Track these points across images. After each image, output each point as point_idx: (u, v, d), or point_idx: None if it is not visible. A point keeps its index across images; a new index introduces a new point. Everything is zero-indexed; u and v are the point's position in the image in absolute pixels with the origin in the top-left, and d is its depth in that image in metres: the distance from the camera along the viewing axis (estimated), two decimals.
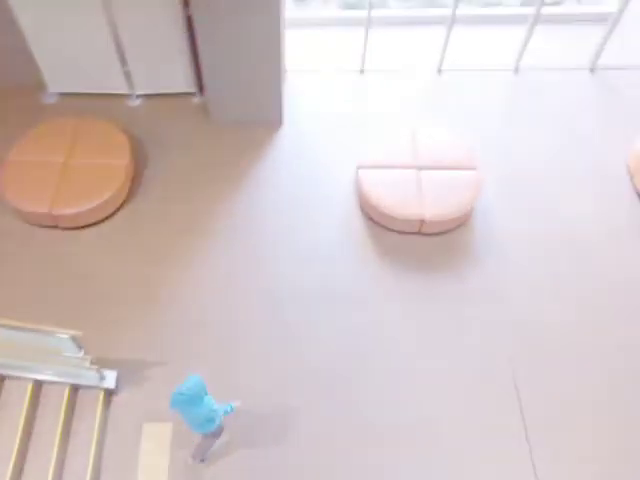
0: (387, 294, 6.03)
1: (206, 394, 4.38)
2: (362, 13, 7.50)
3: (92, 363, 5.08)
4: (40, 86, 7.34)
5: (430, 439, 5.23)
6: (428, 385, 5.51)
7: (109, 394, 5.33)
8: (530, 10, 7.44)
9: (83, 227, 6.36)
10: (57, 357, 5.03)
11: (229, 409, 4.60)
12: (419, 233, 6.38)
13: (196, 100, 7.48)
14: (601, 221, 6.55)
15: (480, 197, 6.49)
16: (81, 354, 4.96)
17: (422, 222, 6.21)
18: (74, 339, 4.77)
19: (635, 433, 5.28)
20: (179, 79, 7.24)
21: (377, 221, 6.44)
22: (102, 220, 6.42)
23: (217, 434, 4.81)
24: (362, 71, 7.88)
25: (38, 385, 5.21)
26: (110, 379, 5.30)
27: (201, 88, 7.27)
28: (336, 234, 6.44)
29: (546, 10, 7.43)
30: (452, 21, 7.33)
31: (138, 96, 7.45)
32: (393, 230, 6.40)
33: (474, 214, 6.55)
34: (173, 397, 4.29)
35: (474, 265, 6.22)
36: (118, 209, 6.51)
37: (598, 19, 8.25)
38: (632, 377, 5.55)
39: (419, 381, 5.53)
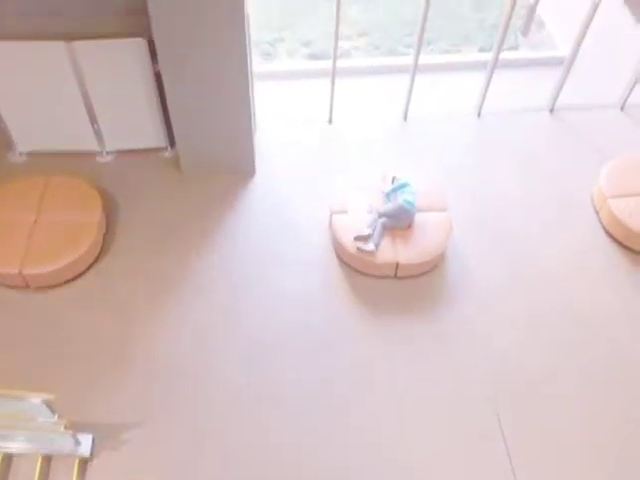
0: (365, 338, 6.01)
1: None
2: (327, 64, 7.71)
3: (66, 427, 4.90)
4: (8, 145, 7.31)
5: None
6: (409, 427, 5.43)
7: (85, 461, 5.12)
8: (488, 56, 7.75)
9: (55, 286, 6.24)
10: (28, 424, 4.84)
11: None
12: (395, 277, 6.41)
13: (167, 154, 7.52)
14: (570, 256, 6.68)
15: (452, 238, 6.58)
16: (54, 419, 4.79)
17: (397, 265, 6.25)
18: (47, 403, 4.60)
19: (618, 464, 5.26)
20: (149, 134, 7.29)
21: (353, 266, 6.47)
22: (74, 278, 6.32)
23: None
24: (330, 121, 8.05)
25: (7, 457, 4.98)
26: (86, 444, 5.09)
27: (172, 142, 7.32)
28: (312, 280, 6.44)
29: (503, 55, 7.74)
30: (414, 69, 7.57)
31: (108, 152, 7.46)
32: (369, 274, 6.43)
33: (447, 255, 6.63)
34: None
35: (450, 306, 6.26)
36: (90, 266, 6.42)
37: (553, 62, 8.64)
38: (613, 413, 5.57)
39: (400, 423, 5.45)
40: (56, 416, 4.78)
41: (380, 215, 6.36)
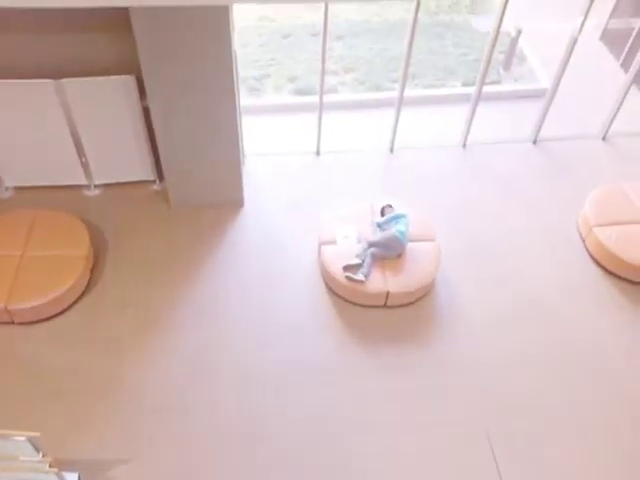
0: (356, 368, 5.95)
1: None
2: (314, 99, 7.84)
3: (51, 466, 4.75)
4: None
5: None
6: (401, 458, 5.34)
7: None
8: (471, 89, 7.92)
9: (41, 320, 6.15)
10: (11, 463, 4.69)
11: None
12: (384, 306, 6.39)
13: (155, 187, 7.53)
14: (559, 284, 6.71)
15: (441, 267, 6.60)
16: (39, 457, 4.65)
17: (387, 295, 6.25)
18: (31, 441, 4.48)
19: None
20: (137, 167, 7.31)
21: (342, 296, 6.45)
22: (61, 312, 6.23)
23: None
24: (318, 153, 8.14)
25: None
26: None
27: (160, 175, 7.35)
28: (302, 311, 6.40)
29: (487, 89, 7.92)
30: (400, 102, 7.71)
31: (96, 186, 7.46)
32: (359, 304, 6.41)
33: (436, 284, 6.64)
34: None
35: (440, 335, 6.24)
36: (77, 300, 6.35)
37: (535, 95, 8.86)
38: (605, 435, 5.53)
39: (392, 454, 5.36)
40: (41, 454, 4.64)
41: (370, 245, 6.37)
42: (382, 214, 6.74)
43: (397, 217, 6.55)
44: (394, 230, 6.39)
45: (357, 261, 6.27)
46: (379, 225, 6.63)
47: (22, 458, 4.62)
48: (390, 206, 6.75)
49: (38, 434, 4.49)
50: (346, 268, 6.25)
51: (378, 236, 6.44)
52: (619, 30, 10.43)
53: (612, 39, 10.33)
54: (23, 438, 4.43)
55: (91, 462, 5.19)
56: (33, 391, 5.66)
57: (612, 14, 10.41)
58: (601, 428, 5.60)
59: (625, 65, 9.77)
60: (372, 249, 6.33)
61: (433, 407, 5.70)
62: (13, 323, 6.12)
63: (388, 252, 6.37)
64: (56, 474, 4.80)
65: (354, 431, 5.53)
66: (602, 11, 10.27)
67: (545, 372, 5.98)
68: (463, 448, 5.44)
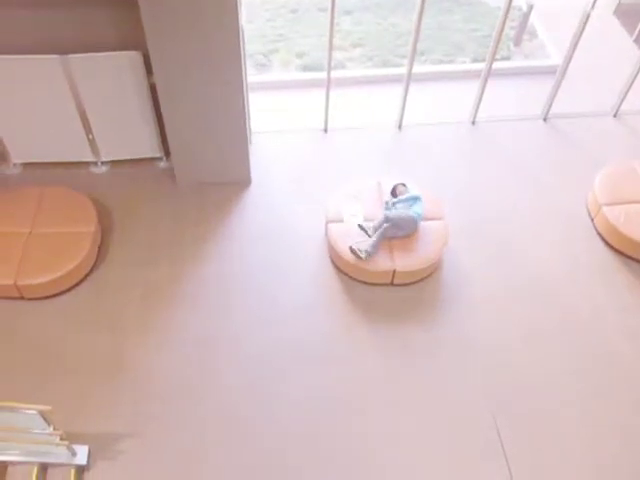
0: (362, 347, 5.98)
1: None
2: (321, 75, 7.75)
3: (62, 439, 4.84)
4: (3, 157, 7.30)
5: None
6: (407, 437, 5.39)
7: (81, 471, 5.06)
8: (482, 65, 7.81)
9: (49, 297, 6.21)
10: (24, 435, 4.79)
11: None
12: (391, 284, 6.40)
13: (162, 164, 7.52)
14: (567, 264, 6.68)
15: (448, 246, 6.58)
16: (50, 430, 4.74)
17: (394, 273, 6.25)
18: (42, 414, 4.56)
19: (618, 475, 5.23)
20: (144, 144, 7.29)
21: (349, 274, 6.46)
22: (69, 289, 6.28)
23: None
24: (325, 130, 8.08)
25: (3, 466, 4.92)
26: (81, 455, 5.04)
27: (167, 152, 7.33)
28: (309, 289, 6.42)
29: (497, 65, 7.80)
30: (408, 78, 7.62)
31: (103, 163, 7.46)
32: (365, 282, 6.42)
33: (442, 263, 6.63)
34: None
35: (446, 313, 6.24)
36: (85, 277, 6.39)
37: (546, 71, 8.72)
38: (610, 416, 5.55)
39: (399, 432, 5.42)
40: (52, 427, 4.73)
41: (386, 219, 6.32)
42: (394, 193, 6.71)
43: (414, 199, 6.50)
44: (412, 212, 6.36)
45: (365, 248, 6.20)
46: (393, 204, 6.55)
47: (33, 431, 4.72)
48: (404, 185, 6.71)
49: (49, 407, 4.57)
50: (353, 251, 6.23)
51: (394, 213, 6.39)
52: (633, 5, 10.23)
53: (626, 14, 10.13)
54: (34, 411, 4.52)
55: (101, 435, 5.27)
56: (43, 366, 5.73)
57: None
58: (606, 409, 5.61)
59: (639, 41, 9.60)
60: (386, 225, 6.29)
61: (438, 387, 5.73)
62: (23, 299, 6.18)
63: (400, 232, 6.35)
64: (67, 447, 4.90)
65: (359, 411, 5.57)
66: None
67: (551, 352, 5.98)
68: (468, 428, 5.47)
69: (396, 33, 10.06)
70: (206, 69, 6.09)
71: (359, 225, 6.33)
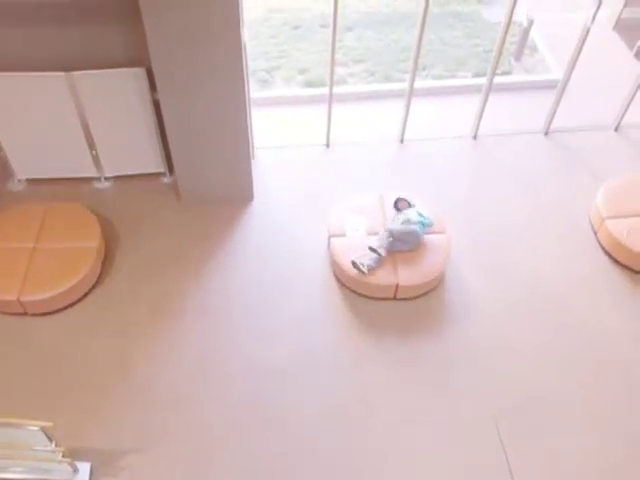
0: (365, 360, 5.96)
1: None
2: (323, 90, 7.80)
3: (64, 456, 4.82)
4: (7, 173, 7.35)
5: None
6: (410, 450, 5.35)
7: None
8: (483, 80, 7.86)
9: (53, 312, 6.21)
10: (25, 452, 4.76)
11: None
12: (394, 299, 6.39)
13: (166, 180, 7.55)
14: (570, 277, 6.67)
15: (450, 260, 6.58)
16: (52, 447, 4.71)
17: (397, 287, 6.24)
18: (44, 431, 4.54)
19: None
20: (148, 160, 7.33)
21: (352, 289, 6.45)
22: (72, 304, 6.28)
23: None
24: (327, 145, 8.12)
25: None
26: (84, 472, 5.01)
27: (170, 168, 7.37)
28: (312, 304, 6.41)
29: (498, 80, 7.85)
30: (410, 93, 7.67)
31: (107, 178, 7.49)
32: (369, 297, 6.41)
33: (446, 276, 6.62)
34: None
35: (450, 327, 6.22)
36: (89, 292, 6.39)
37: (547, 86, 8.76)
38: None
39: (402, 446, 5.38)
40: (54, 444, 4.71)
41: (390, 234, 6.32)
42: (396, 206, 6.72)
43: (420, 217, 6.51)
44: (416, 227, 6.37)
45: (368, 262, 6.22)
46: (401, 222, 6.44)
47: (35, 447, 4.69)
48: (405, 200, 6.72)
49: (51, 424, 4.55)
50: (355, 265, 6.23)
51: (398, 227, 6.39)
52: (633, 20, 10.30)
53: (626, 29, 10.21)
54: (36, 428, 4.50)
55: (104, 452, 5.24)
56: (46, 381, 5.72)
57: (626, 3, 10.27)
58: (611, 419, 5.57)
59: (639, 55, 9.66)
60: (390, 239, 6.29)
61: (441, 398, 5.70)
62: (26, 314, 6.18)
63: (405, 246, 6.35)
64: (69, 464, 4.87)
65: (363, 423, 5.54)
66: (616, 0, 10.15)
67: (556, 364, 5.95)
68: (471, 439, 5.44)
69: (398, 49, 10.13)
70: (209, 85, 6.14)
71: (370, 247, 6.29)
